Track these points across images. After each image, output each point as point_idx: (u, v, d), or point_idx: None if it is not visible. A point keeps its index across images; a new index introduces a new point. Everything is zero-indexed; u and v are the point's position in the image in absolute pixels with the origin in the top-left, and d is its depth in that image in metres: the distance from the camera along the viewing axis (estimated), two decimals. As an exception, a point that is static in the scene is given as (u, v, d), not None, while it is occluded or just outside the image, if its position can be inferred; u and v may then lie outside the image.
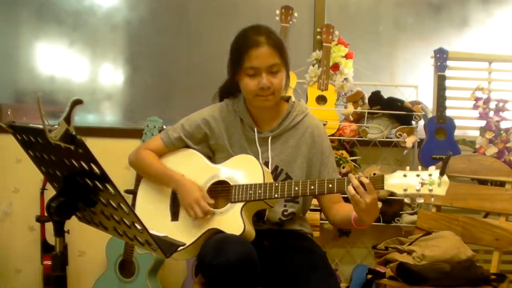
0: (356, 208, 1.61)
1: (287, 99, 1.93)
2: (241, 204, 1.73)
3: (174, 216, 1.82)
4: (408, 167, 1.62)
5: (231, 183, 1.77)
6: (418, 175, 1.58)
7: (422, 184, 1.56)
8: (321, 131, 1.92)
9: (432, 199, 1.58)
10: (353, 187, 1.57)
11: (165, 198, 1.85)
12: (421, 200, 1.58)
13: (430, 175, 1.56)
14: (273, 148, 1.86)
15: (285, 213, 1.86)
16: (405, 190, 1.57)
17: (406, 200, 1.64)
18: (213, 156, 1.91)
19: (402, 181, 1.58)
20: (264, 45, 1.74)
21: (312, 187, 1.69)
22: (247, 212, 1.74)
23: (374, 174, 2.70)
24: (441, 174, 1.55)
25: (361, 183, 1.57)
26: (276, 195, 1.70)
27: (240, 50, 1.77)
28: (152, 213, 1.84)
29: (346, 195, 1.63)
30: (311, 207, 2.03)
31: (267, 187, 1.71)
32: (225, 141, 1.87)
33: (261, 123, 1.89)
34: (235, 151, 1.86)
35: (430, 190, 1.55)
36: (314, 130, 1.90)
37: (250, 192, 1.72)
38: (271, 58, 1.74)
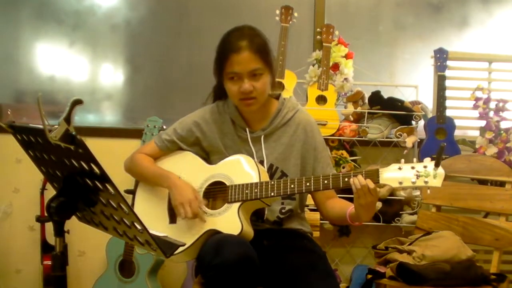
0: (356, 202, 1.62)
1: (277, 96, 1.93)
2: (238, 204, 1.73)
3: (172, 218, 1.82)
4: (403, 160, 1.61)
5: (228, 184, 1.77)
6: (413, 168, 1.57)
7: (418, 176, 1.55)
8: (313, 126, 1.91)
9: (428, 191, 1.57)
10: (359, 182, 1.58)
11: (162, 201, 1.85)
12: (417, 192, 1.58)
13: (425, 167, 1.56)
14: (266, 146, 1.86)
15: (283, 210, 1.87)
16: (400, 183, 1.56)
17: (403, 193, 1.63)
18: (208, 157, 1.90)
19: (397, 174, 1.58)
20: (245, 50, 1.72)
21: (308, 184, 1.69)
22: (244, 211, 1.74)
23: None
24: (436, 165, 1.54)
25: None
26: (272, 194, 1.70)
27: (222, 55, 1.76)
28: (150, 216, 1.83)
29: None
30: (311, 207, 2.03)
31: (263, 186, 1.71)
32: (218, 142, 1.87)
33: (253, 123, 1.89)
34: (229, 152, 1.86)
35: (426, 182, 1.54)
36: (306, 126, 1.89)
37: (247, 191, 1.72)
38: (253, 63, 1.73)
